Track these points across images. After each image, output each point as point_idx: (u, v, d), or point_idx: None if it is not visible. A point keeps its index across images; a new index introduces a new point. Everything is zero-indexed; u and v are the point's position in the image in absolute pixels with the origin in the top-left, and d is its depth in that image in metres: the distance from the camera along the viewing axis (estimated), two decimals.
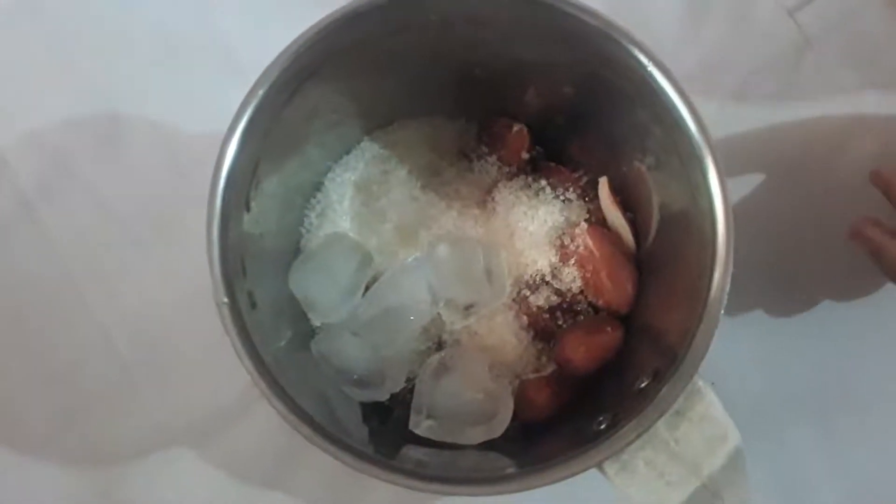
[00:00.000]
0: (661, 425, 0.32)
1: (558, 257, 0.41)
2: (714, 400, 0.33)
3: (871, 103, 0.50)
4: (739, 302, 0.46)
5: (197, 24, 0.51)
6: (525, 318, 0.41)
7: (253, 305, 0.35)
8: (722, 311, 0.32)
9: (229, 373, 0.33)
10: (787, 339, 0.47)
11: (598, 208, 0.42)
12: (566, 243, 0.40)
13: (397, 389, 0.40)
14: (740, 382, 0.46)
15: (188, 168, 0.48)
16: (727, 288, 0.32)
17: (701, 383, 0.33)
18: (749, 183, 0.47)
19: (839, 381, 0.47)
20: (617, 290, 0.39)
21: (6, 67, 0.50)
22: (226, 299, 0.33)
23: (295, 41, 0.34)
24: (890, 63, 0.51)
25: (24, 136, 0.49)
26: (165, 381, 0.47)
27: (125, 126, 0.50)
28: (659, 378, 0.33)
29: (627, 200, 0.41)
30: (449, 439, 0.37)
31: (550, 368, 0.41)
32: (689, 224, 0.35)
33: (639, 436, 0.32)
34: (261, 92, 0.34)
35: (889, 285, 0.47)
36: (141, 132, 0.50)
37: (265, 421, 0.46)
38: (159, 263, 0.48)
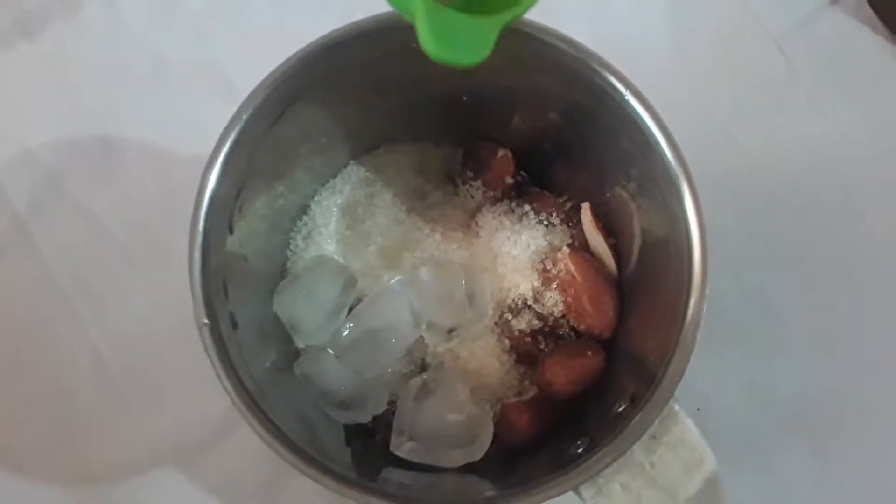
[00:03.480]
0: (637, 450, 0.33)
1: (540, 281, 0.41)
2: (690, 425, 0.33)
3: (858, 130, 0.51)
4: (725, 327, 0.46)
5: (190, 48, 0.51)
6: (507, 341, 0.41)
7: (234, 327, 0.35)
8: (698, 337, 0.32)
9: (219, 394, 0.33)
10: (771, 363, 0.47)
11: (581, 233, 0.42)
12: (548, 268, 0.41)
13: (380, 411, 0.40)
14: (726, 407, 0.46)
15: (179, 189, 0.48)
16: (703, 314, 0.32)
17: (677, 408, 0.33)
18: (735, 208, 0.47)
19: (826, 404, 0.47)
20: (598, 314, 0.39)
21: (1, 88, 0.51)
22: (206, 320, 0.33)
23: (278, 67, 0.35)
24: (878, 90, 0.52)
25: (17, 156, 0.50)
26: (156, 401, 0.47)
27: (117, 147, 0.50)
28: (636, 402, 0.33)
29: (610, 226, 0.41)
30: (430, 462, 0.37)
31: (532, 392, 0.41)
32: (669, 250, 0.35)
33: (614, 460, 0.32)
34: (244, 116, 0.34)
35: (873, 302, 0.48)
36: (133, 153, 0.50)
37: (254, 442, 0.46)
38: (151, 283, 0.48)
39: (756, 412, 0.47)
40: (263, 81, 0.34)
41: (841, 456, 0.47)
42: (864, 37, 0.52)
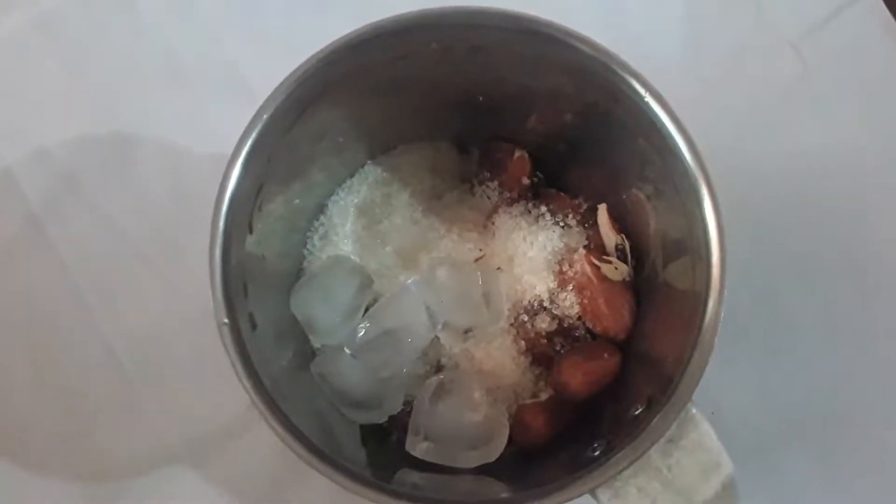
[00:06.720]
0: (654, 453, 0.32)
1: (557, 283, 0.41)
2: (708, 429, 0.33)
3: (872, 134, 0.51)
4: (737, 331, 0.46)
5: (206, 48, 0.51)
6: (523, 342, 0.41)
7: (254, 326, 0.35)
8: (716, 340, 0.32)
9: (231, 392, 0.33)
10: (784, 368, 0.47)
11: (598, 235, 0.42)
12: (565, 269, 0.40)
13: (395, 412, 0.40)
14: (738, 412, 0.46)
15: (195, 188, 0.48)
16: (721, 316, 0.32)
17: (695, 411, 0.33)
18: (747, 212, 0.46)
19: (836, 408, 0.47)
20: (614, 316, 0.39)
21: (19, 86, 0.51)
22: (226, 320, 0.33)
23: (298, 67, 0.35)
24: (890, 95, 0.52)
25: (34, 155, 0.50)
26: (168, 398, 0.47)
27: (133, 146, 0.50)
28: (653, 405, 0.33)
29: (626, 227, 0.41)
30: (445, 462, 0.37)
31: (548, 394, 0.41)
32: (686, 252, 0.35)
33: (631, 463, 0.32)
34: (265, 116, 0.34)
35: (884, 307, 0.48)
36: (149, 153, 0.50)
37: (266, 441, 0.45)
38: (165, 282, 0.48)
39: (767, 416, 0.47)
40: (284, 82, 0.34)
41: (850, 460, 0.47)
42: (880, 40, 0.52)
